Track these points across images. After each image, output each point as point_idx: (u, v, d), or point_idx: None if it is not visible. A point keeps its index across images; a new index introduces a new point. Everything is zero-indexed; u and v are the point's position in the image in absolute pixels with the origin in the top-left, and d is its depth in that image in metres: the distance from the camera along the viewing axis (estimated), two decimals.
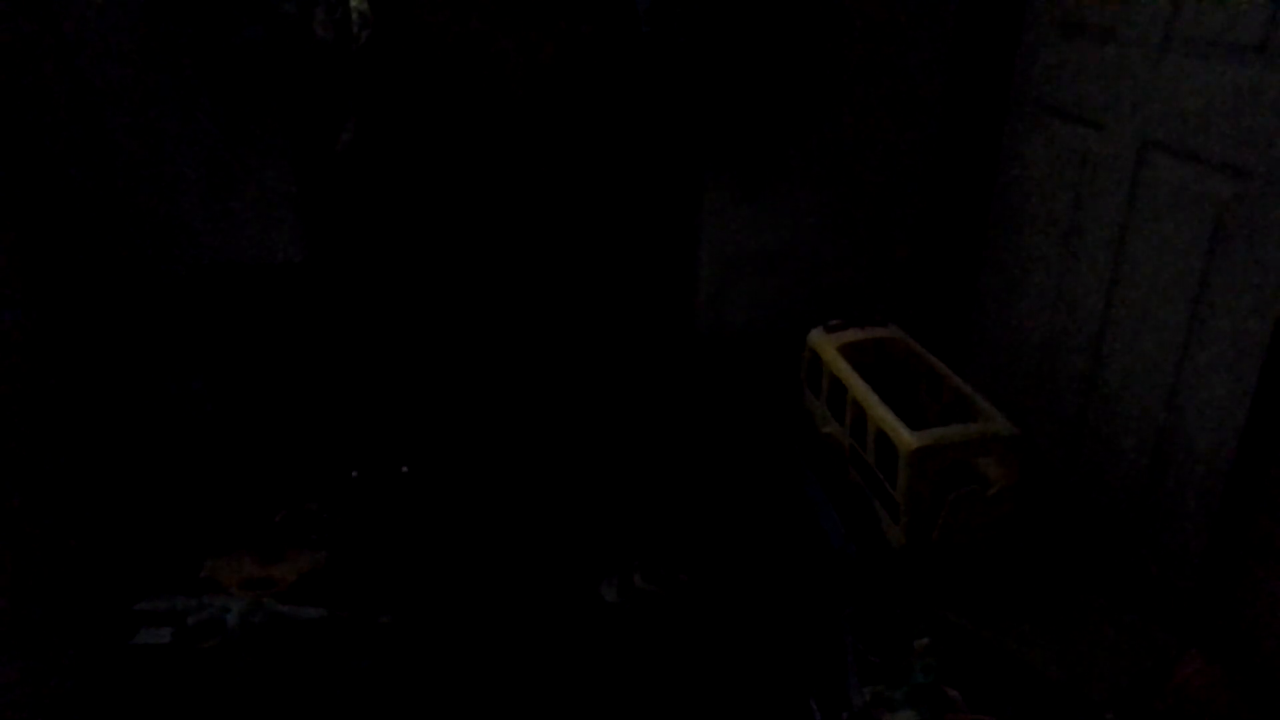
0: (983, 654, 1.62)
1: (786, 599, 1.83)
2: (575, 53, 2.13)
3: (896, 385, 2.06)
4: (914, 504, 1.73)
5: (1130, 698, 1.53)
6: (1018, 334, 2.19)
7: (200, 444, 2.21)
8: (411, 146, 2.16)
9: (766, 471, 2.24)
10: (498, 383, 2.40)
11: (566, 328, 2.41)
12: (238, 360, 2.23)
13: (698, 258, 2.39)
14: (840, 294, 2.47)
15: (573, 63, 2.14)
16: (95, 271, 2.11)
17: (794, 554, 1.97)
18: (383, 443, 2.24)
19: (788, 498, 2.15)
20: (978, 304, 2.39)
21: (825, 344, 2.09)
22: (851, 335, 2.12)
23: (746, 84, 2.16)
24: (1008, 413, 1.82)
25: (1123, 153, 1.79)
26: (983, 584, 1.77)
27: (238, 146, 2.09)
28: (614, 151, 2.26)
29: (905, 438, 1.71)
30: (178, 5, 1.91)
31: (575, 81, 2.16)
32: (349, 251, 2.24)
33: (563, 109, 2.19)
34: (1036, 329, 2.11)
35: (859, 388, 1.91)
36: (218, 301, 2.19)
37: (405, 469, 2.16)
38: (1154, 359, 1.73)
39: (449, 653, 1.70)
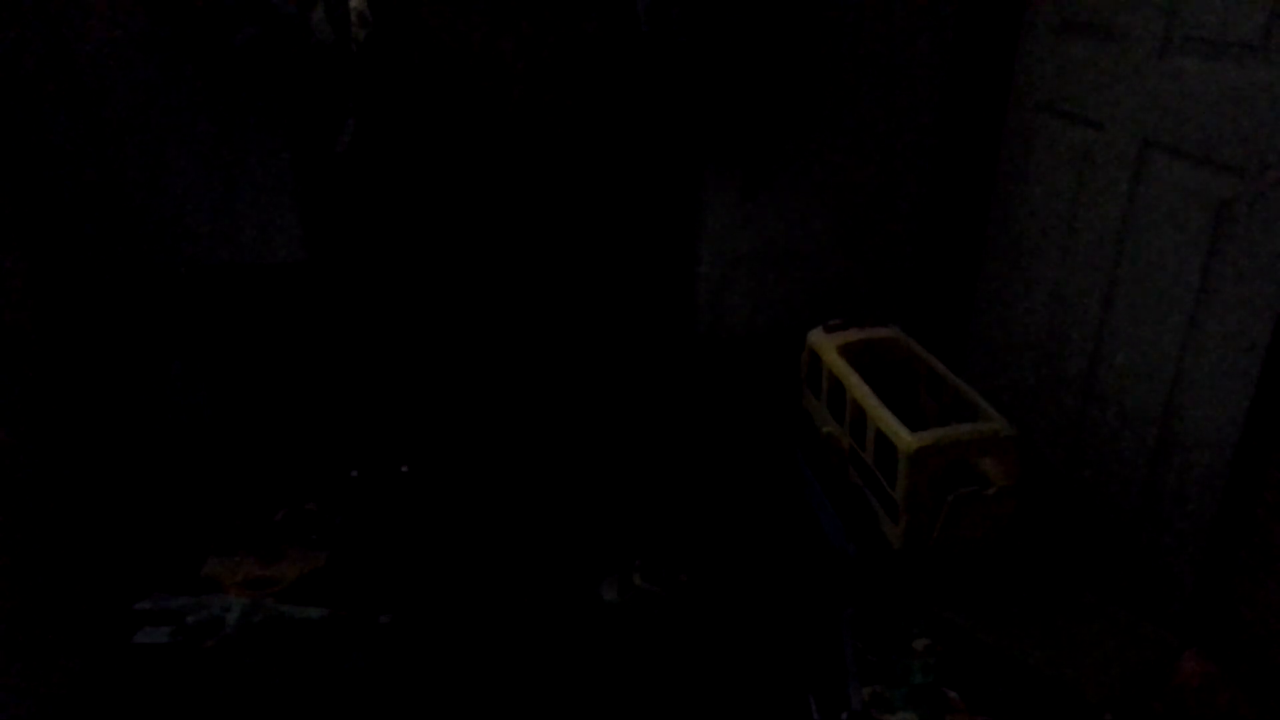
0: (982, 654, 1.62)
1: (786, 599, 1.83)
2: (574, 52, 2.13)
3: (896, 385, 2.06)
4: (913, 504, 1.73)
5: (1129, 697, 1.53)
6: (1018, 334, 2.19)
7: (200, 444, 2.21)
8: (411, 146, 2.16)
9: (766, 472, 2.24)
10: (498, 382, 2.40)
11: (566, 327, 2.41)
12: (238, 360, 2.23)
13: (697, 257, 2.39)
14: (840, 294, 2.47)
15: (572, 62, 2.14)
16: (95, 271, 2.11)
17: (793, 554, 1.97)
18: (382, 442, 2.24)
19: (787, 498, 2.15)
20: (977, 304, 2.38)
21: (825, 344, 2.09)
22: (851, 335, 2.12)
23: (746, 83, 2.16)
24: (1007, 413, 1.82)
25: (1123, 153, 1.79)
26: (982, 584, 1.77)
27: (238, 146, 2.09)
28: (614, 150, 2.26)
29: (905, 438, 1.71)
30: (178, 5, 1.91)
31: (575, 81, 2.16)
32: (349, 252, 2.24)
33: (562, 108, 2.19)
34: (1036, 329, 2.11)
35: (858, 388, 1.91)
36: (218, 301, 2.20)
37: (405, 469, 2.16)
38: (1154, 359, 1.73)
39: (448, 653, 1.70)
